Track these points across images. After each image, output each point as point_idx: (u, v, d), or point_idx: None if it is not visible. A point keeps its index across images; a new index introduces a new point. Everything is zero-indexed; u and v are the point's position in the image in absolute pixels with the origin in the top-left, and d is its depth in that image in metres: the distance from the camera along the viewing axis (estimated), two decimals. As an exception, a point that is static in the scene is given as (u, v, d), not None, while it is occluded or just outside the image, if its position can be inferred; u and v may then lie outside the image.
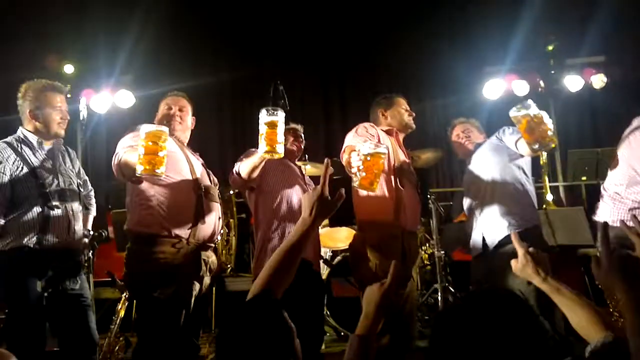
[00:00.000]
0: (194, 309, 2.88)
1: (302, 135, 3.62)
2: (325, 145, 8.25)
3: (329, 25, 8.00)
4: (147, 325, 2.84)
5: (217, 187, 3.19)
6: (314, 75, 8.65)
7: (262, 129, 2.64)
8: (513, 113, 2.91)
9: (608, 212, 3.00)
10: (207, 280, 3.01)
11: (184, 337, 2.84)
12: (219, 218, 3.11)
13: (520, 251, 2.09)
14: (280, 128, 2.66)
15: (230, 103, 8.72)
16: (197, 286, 2.91)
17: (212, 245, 3.05)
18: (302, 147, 3.64)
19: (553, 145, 2.88)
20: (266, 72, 7.80)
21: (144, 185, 2.86)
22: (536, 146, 2.87)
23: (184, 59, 7.92)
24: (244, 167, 3.02)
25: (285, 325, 1.52)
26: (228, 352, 1.50)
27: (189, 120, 3.24)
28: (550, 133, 2.81)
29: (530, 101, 2.87)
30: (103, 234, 3.53)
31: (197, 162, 3.14)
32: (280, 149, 2.66)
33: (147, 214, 2.86)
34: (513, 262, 2.15)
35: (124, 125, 3.03)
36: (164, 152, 2.47)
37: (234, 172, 3.11)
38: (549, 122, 2.84)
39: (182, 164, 3.00)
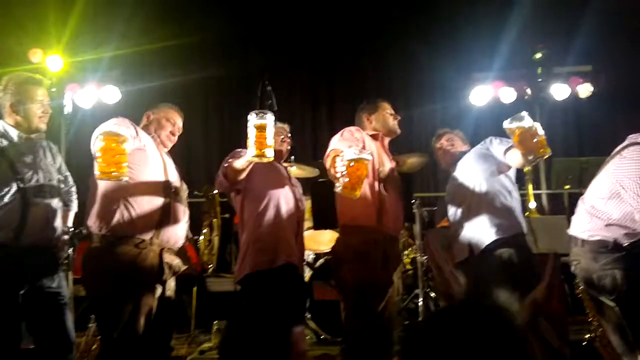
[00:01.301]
0: (161, 311, 2.82)
1: (290, 134, 3.59)
2: (311, 147, 8.25)
3: (318, 28, 8.00)
4: (107, 328, 2.76)
5: (187, 192, 3.12)
6: (301, 76, 8.65)
7: (251, 132, 2.61)
8: (507, 125, 2.94)
9: (583, 225, 3.00)
10: (172, 283, 2.96)
11: (151, 339, 2.77)
12: (186, 222, 3.05)
13: None
14: (270, 131, 2.62)
15: (217, 100, 8.70)
16: (159, 289, 2.85)
17: (176, 248, 2.99)
18: (290, 147, 3.61)
19: (547, 156, 2.91)
20: (254, 71, 7.77)
21: (114, 184, 2.76)
22: (531, 157, 2.90)
23: (171, 55, 7.88)
24: (230, 170, 2.99)
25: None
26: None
27: None
28: (544, 144, 2.84)
29: (524, 113, 2.90)
30: (83, 231, 3.48)
31: (170, 162, 3.07)
32: (270, 153, 2.63)
33: (110, 211, 2.77)
34: None
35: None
36: (124, 155, 2.40)
37: (220, 174, 3.08)
38: (542, 133, 2.87)
39: (155, 162, 2.92)
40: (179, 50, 7.93)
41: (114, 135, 2.40)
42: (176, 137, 3.16)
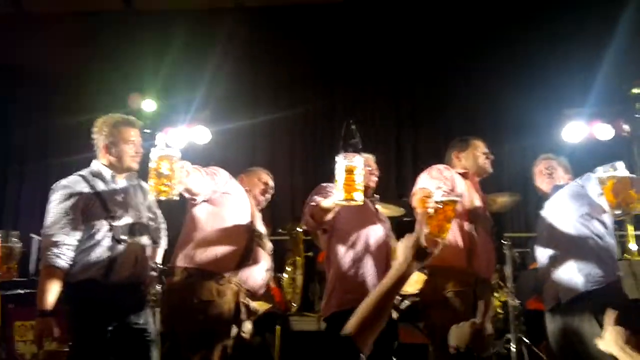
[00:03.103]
0: (237, 352, 2.90)
1: (375, 167, 3.50)
2: (395, 185, 8.14)
3: (404, 63, 7.99)
4: None
5: (271, 247, 3.26)
6: (386, 113, 8.61)
7: (340, 175, 2.55)
8: (599, 174, 2.79)
9: None
10: (248, 326, 3.03)
11: None
12: (267, 270, 3.14)
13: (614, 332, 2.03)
14: (359, 174, 2.56)
15: (303, 137, 8.78)
16: (234, 329, 2.92)
17: (255, 291, 3.06)
18: (376, 179, 3.51)
19: (636, 212, 2.72)
20: (340, 107, 7.84)
21: (203, 221, 2.98)
22: (618, 211, 2.72)
23: (259, 94, 8.07)
24: (317, 210, 2.97)
25: None
26: None
27: None
28: (636, 199, 2.65)
29: (619, 163, 2.73)
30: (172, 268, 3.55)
31: (258, 214, 3.25)
32: (359, 197, 2.55)
33: (194, 248, 2.93)
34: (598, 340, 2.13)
35: (199, 160, 3.06)
36: (174, 174, 2.49)
37: (307, 214, 3.06)
38: (637, 187, 2.68)
39: (242, 208, 3.10)
40: (267, 90, 8.12)
41: (166, 156, 2.49)
42: (269, 196, 3.39)
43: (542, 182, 3.48)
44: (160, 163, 2.48)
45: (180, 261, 2.93)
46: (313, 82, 8.23)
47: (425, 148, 8.29)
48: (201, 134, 7.06)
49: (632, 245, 5.80)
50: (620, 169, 2.70)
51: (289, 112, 8.11)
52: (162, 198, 2.51)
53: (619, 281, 3.15)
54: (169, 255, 3.30)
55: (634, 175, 2.71)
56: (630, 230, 5.88)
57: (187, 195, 2.91)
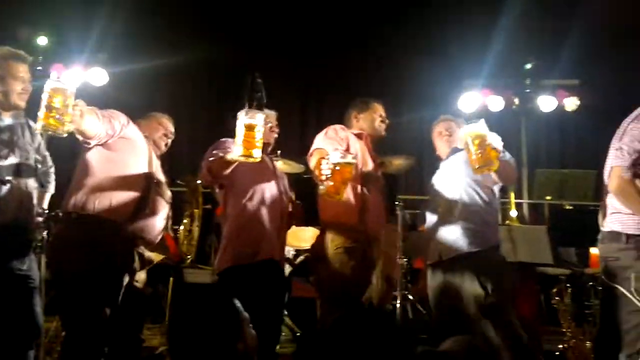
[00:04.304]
0: (129, 302, 2.85)
1: (276, 124, 3.50)
2: (298, 142, 8.19)
3: (313, 24, 7.95)
4: (69, 311, 2.80)
5: (170, 195, 3.18)
6: (291, 71, 8.59)
7: (240, 130, 2.56)
8: (461, 131, 2.91)
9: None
10: (142, 275, 2.99)
11: (119, 328, 2.79)
12: (164, 218, 3.07)
13: None
14: (259, 131, 2.58)
15: (205, 87, 8.60)
16: (127, 277, 2.86)
17: (151, 241, 3.00)
18: (276, 136, 3.50)
19: (493, 169, 2.85)
20: (244, 58, 7.68)
21: (97, 166, 2.85)
22: (477, 166, 2.84)
23: (159, 37, 7.74)
24: (215, 165, 2.93)
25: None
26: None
27: None
28: (494, 156, 2.80)
29: (480, 120, 2.88)
30: (60, 213, 3.39)
31: (157, 161, 3.13)
32: (257, 154, 2.59)
33: (88, 193, 2.81)
34: None
35: (95, 102, 2.92)
36: (67, 109, 2.40)
37: (204, 168, 3.02)
38: (494, 144, 2.83)
39: (141, 153, 2.99)
40: (169, 32, 7.80)
41: (60, 90, 2.39)
42: (169, 141, 3.27)
43: (441, 144, 3.53)
44: (54, 96, 2.35)
45: (72, 207, 2.80)
46: (219, 29, 7.99)
47: (329, 106, 8.39)
48: (97, 76, 6.75)
49: (513, 212, 6.21)
50: (480, 126, 2.84)
51: (191, 58, 7.83)
52: (50, 132, 2.39)
53: (498, 246, 3.37)
54: (57, 201, 3.16)
55: (494, 134, 2.86)
56: (512, 197, 6.28)
57: (80, 137, 2.78)
